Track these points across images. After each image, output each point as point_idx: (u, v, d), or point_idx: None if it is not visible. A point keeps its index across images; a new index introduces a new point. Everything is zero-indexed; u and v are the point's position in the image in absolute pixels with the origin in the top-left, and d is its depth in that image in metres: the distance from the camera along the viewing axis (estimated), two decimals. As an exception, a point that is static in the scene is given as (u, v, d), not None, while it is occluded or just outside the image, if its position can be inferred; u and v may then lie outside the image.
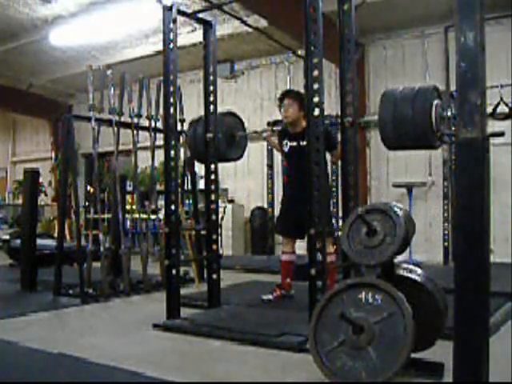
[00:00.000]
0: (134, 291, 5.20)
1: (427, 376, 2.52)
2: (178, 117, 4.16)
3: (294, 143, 4.49)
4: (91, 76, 5.11)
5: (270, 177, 8.59)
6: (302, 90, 3.56)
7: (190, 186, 6.11)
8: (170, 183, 3.85)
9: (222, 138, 4.35)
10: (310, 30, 3.27)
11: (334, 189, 7.37)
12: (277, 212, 7.65)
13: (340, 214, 5.09)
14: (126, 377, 2.67)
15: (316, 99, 3.24)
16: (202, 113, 4.26)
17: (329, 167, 5.12)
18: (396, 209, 2.52)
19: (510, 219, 6.75)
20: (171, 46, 3.85)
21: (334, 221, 5.53)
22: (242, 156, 4.81)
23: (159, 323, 3.71)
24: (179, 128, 4.78)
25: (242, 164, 9.38)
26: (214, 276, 4.19)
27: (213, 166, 4.23)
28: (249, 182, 9.81)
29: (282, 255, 4.62)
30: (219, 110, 4.36)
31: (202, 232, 5.32)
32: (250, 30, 7.59)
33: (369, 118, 8.67)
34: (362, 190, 7.12)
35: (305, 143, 3.46)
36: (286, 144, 4.56)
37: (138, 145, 5.55)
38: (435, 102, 2.98)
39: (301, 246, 4.50)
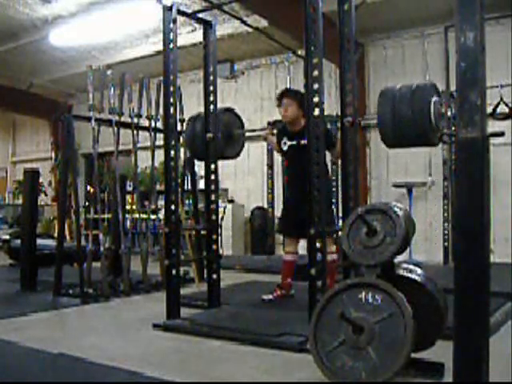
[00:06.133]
0: (134, 291, 5.20)
1: (427, 376, 2.52)
2: (178, 117, 4.15)
3: (294, 142, 4.45)
4: (91, 76, 5.11)
5: (270, 177, 8.59)
6: (302, 90, 3.56)
7: (189, 186, 6.11)
8: (169, 183, 3.84)
9: (219, 136, 4.26)
10: (310, 30, 3.27)
11: (334, 189, 7.37)
12: (277, 212, 7.70)
13: (340, 214, 5.09)
14: (125, 377, 2.66)
15: (316, 99, 3.23)
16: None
17: (329, 167, 5.11)
18: (396, 209, 2.51)
19: (510, 219, 6.75)
20: (171, 46, 3.85)
21: (335, 219, 5.50)
22: (239, 154, 4.67)
23: (159, 323, 3.71)
24: (179, 128, 4.78)
25: (242, 164, 9.39)
26: (214, 276, 4.19)
27: (213, 166, 4.24)
28: (249, 182, 9.81)
29: (286, 255, 4.60)
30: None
31: (202, 232, 5.32)
32: (250, 29, 7.60)
33: (369, 118, 8.65)
34: (362, 190, 7.13)
35: (305, 142, 3.43)
36: (285, 143, 4.52)
37: (138, 145, 5.55)
38: (433, 99, 2.97)
39: (300, 246, 4.51)
